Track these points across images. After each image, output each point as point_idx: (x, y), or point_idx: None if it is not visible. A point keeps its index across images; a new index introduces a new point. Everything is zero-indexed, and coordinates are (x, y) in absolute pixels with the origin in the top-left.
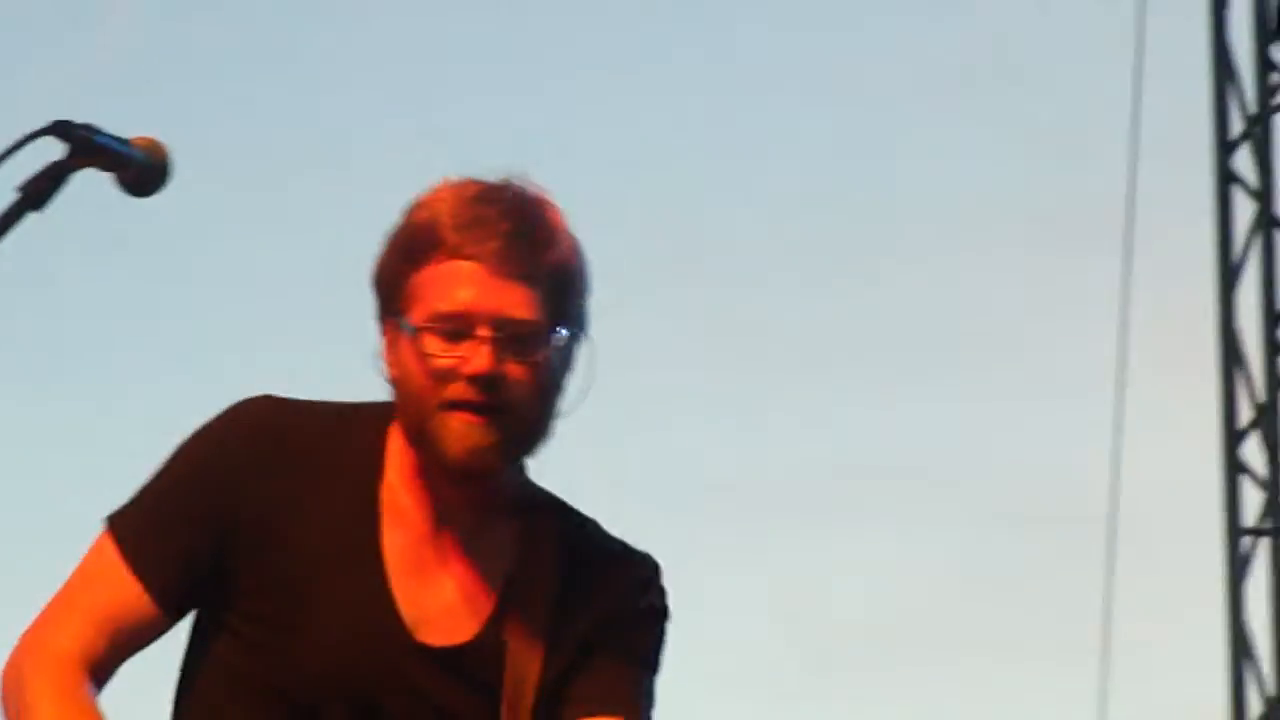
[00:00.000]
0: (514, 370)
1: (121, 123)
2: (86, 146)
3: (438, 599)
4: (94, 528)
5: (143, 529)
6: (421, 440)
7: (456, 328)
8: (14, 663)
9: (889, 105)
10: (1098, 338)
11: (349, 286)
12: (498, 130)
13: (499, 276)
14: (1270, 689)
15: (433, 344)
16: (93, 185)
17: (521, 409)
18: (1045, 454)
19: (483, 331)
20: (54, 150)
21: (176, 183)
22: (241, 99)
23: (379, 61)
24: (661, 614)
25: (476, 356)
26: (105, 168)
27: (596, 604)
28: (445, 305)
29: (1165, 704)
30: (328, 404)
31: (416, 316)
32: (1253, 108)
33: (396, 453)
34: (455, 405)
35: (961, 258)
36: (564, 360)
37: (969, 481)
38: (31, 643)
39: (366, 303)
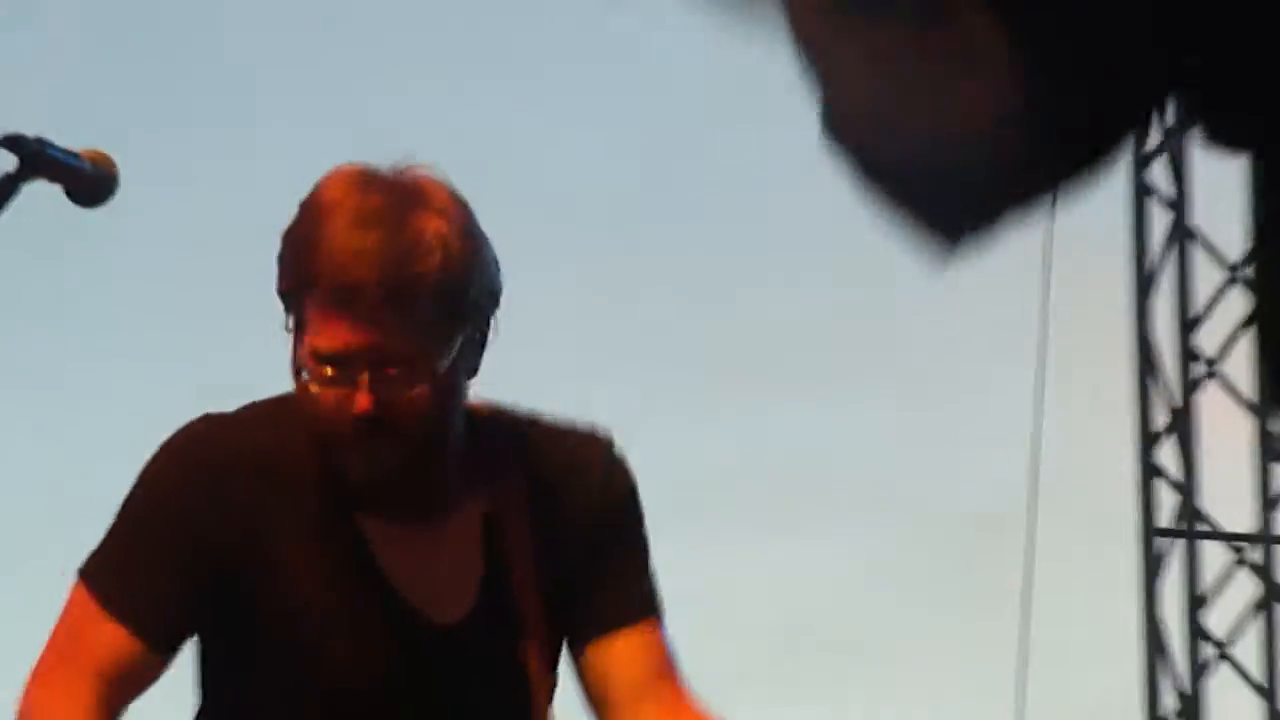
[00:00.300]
0: (402, 398)
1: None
2: (38, 159)
3: (434, 577)
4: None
5: (117, 576)
6: (332, 471)
7: (338, 368)
8: None
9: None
10: (1017, 348)
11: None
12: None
13: (378, 311)
14: (1183, 684)
15: (317, 383)
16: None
17: (416, 429)
18: (967, 458)
19: (362, 373)
20: (6, 162)
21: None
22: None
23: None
24: (632, 494)
25: (359, 397)
26: (55, 179)
27: (575, 520)
28: (325, 344)
29: (1081, 699)
30: (264, 405)
31: (303, 349)
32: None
33: None
34: (347, 439)
35: (883, 272)
36: (459, 366)
37: (889, 484)
38: (34, 707)
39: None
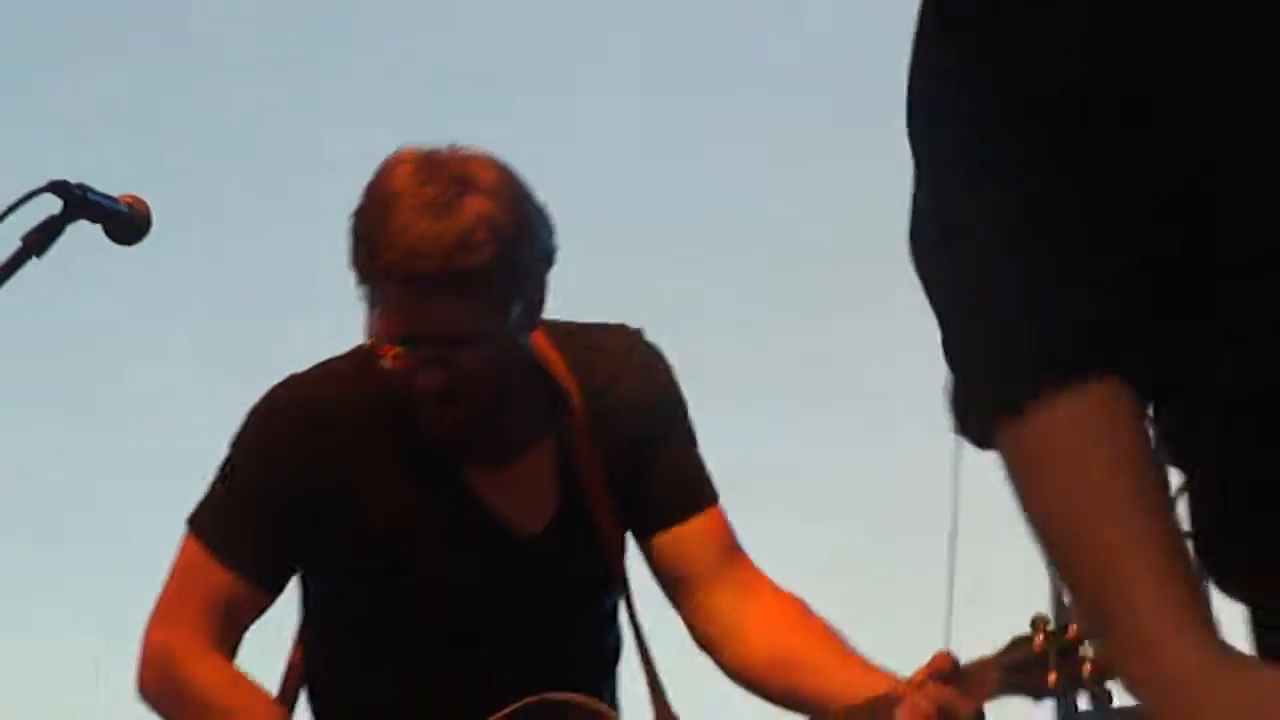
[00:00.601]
0: (466, 369)
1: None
2: (80, 203)
3: (515, 495)
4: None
5: (221, 526)
6: (417, 425)
7: (406, 348)
8: (150, 661)
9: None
10: (937, 362)
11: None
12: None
13: (439, 298)
14: None
15: (388, 360)
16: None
17: (482, 394)
18: (893, 465)
19: (428, 351)
20: (52, 206)
21: None
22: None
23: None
24: (671, 382)
25: (426, 374)
26: (96, 220)
27: (626, 421)
28: (393, 329)
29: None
30: (338, 361)
31: (376, 326)
32: None
33: None
34: (419, 405)
35: (816, 293)
36: (518, 329)
37: (821, 488)
38: (160, 639)
39: None
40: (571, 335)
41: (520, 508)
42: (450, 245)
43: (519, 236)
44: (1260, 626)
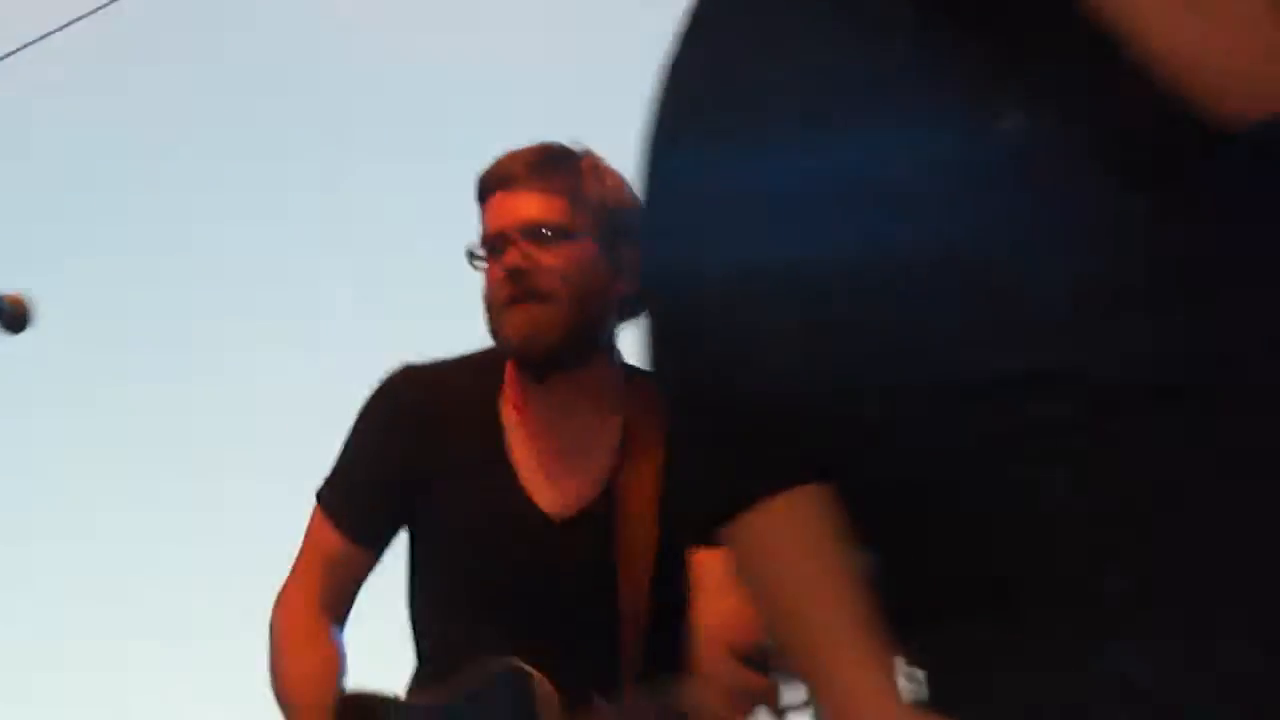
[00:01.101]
0: (546, 260)
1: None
2: None
3: (559, 482)
4: None
5: (338, 495)
6: (498, 344)
7: (497, 243)
8: (270, 621)
9: None
10: None
11: None
12: None
13: (522, 190)
14: None
15: (484, 261)
16: None
17: (557, 294)
18: None
19: (514, 236)
20: None
21: None
22: None
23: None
24: None
25: (508, 257)
26: None
27: None
28: (489, 228)
29: None
30: (460, 357)
31: (480, 246)
32: None
33: (511, 380)
34: (505, 304)
35: None
36: (595, 250)
37: None
38: (278, 601)
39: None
40: None
41: (558, 486)
42: (537, 152)
43: (604, 179)
44: (930, 683)
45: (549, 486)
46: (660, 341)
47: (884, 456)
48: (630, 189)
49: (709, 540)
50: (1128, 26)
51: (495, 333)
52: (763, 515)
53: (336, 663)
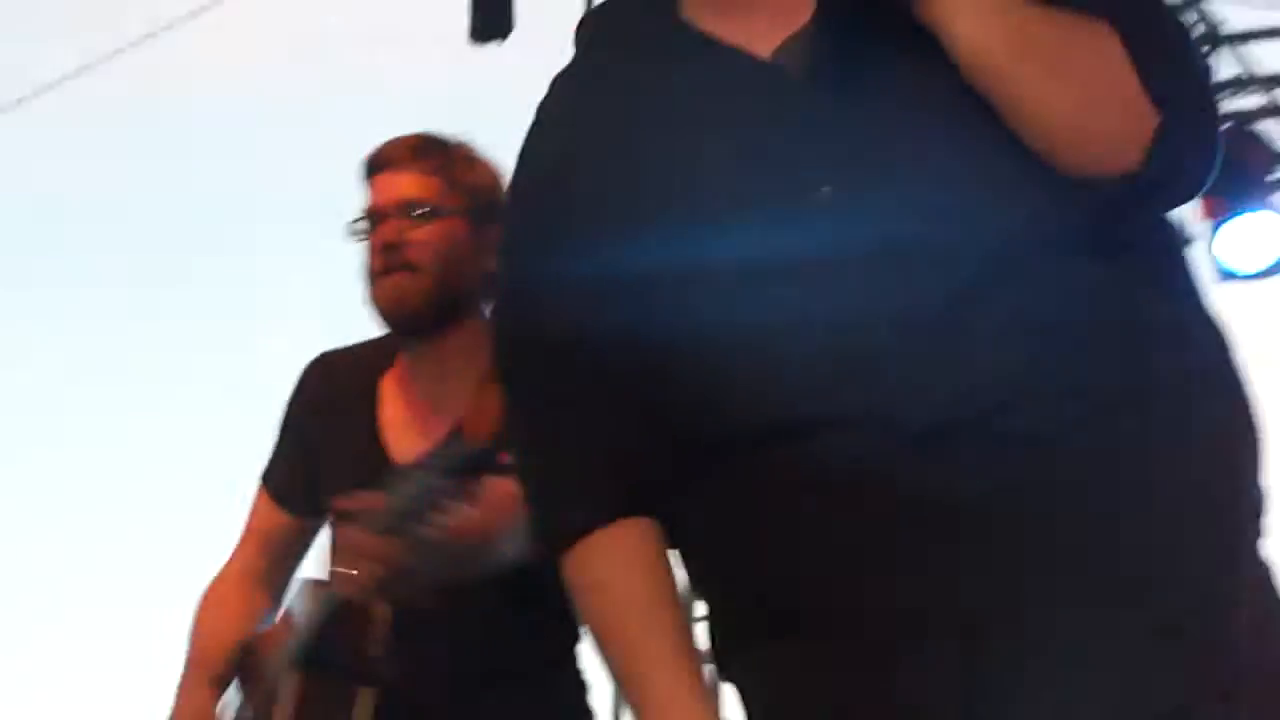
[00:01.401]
0: (417, 235)
1: None
2: None
3: (412, 433)
4: None
5: (269, 469)
6: (372, 310)
7: (375, 218)
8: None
9: None
10: None
11: None
12: None
13: (400, 171)
14: None
15: (363, 236)
16: None
17: (425, 266)
18: None
19: (390, 212)
20: None
21: None
22: None
23: None
24: None
25: (383, 230)
26: None
27: None
28: (369, 204)
29: None
30: (367, 340)
31: (360, 220)
32: None
33: (399, 356)
34: (378, 273)
35: None
36: (466, 230)
37: None
38: (216, 575)
39: None
40: None
41: (411, 438)
42: (417, 138)
43: (475, 163)
44: (744, 701)
45: (404, 438)
46: (509, 359)
47: (705, 490)
48: (500, 178)
49: (559, 559)
50: (1001, 93)
51: (369, 299)
52: (592, 546)
53: (241, 620)
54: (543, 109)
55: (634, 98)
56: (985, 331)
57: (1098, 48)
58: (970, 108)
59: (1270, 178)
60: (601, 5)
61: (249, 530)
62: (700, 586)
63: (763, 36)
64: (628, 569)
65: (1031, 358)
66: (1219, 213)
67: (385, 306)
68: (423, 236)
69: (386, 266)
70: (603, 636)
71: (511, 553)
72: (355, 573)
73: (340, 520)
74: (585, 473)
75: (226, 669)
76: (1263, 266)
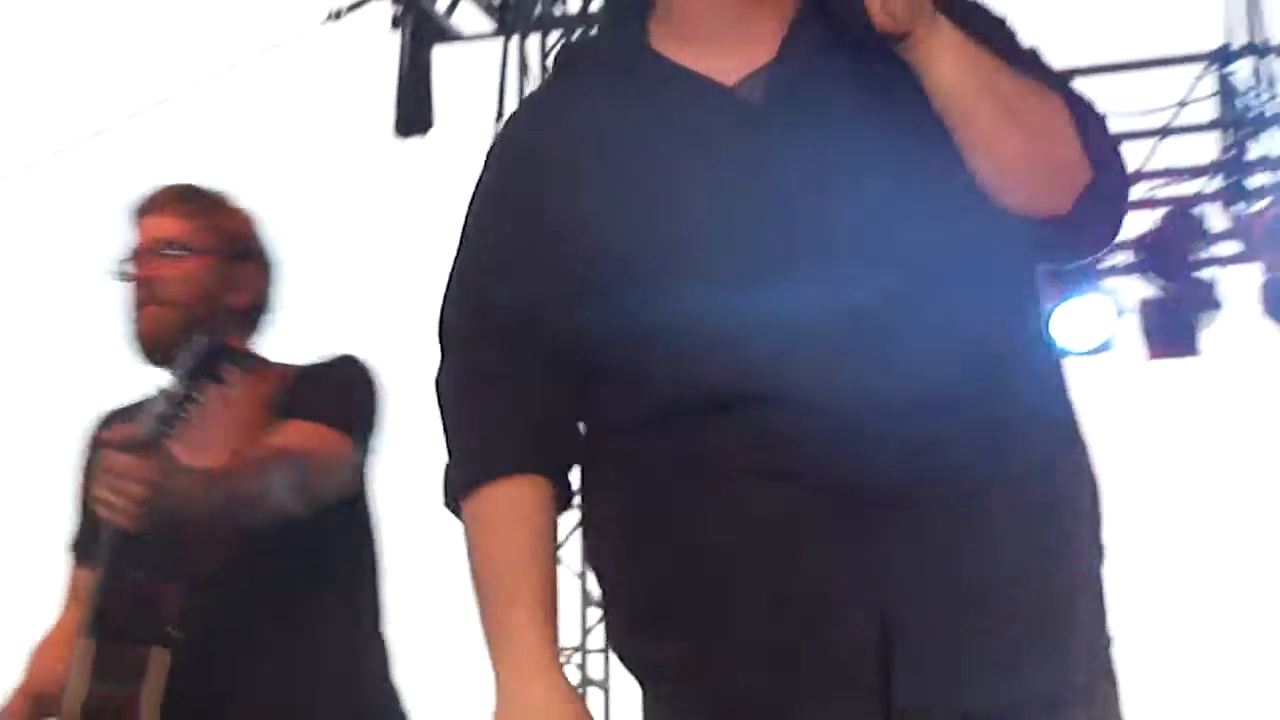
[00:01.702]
0: (168, 272)
1: None
2: None
3: (204, 437)
4: None
5: (70, 538)
6: (131, 345)
7: (133, 260)
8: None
9: None
10: None
11: None
12: None
13: (159, 215)
14: None
15: (124, 276)
16: None
17: (173, 300)
18: None
19: (146, 250)
20: None
21: None
22: None
23: None
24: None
25: (142, 267)
26: None
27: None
28: (132, 244)
29: None
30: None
31: (124, 259)
32: None
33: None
34: (135, 307)
35: None
36: (219, 269)
37: None
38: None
39: None
40: (288, 368)
41: (203, 447)
42: (178, 187)
43: (238, 213)
44: (643, 690)
45: (196, 442)
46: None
47: (611, 467)
48: (255, 223)
49: (453, 506)
50: (967, 128)
51: (128, 331)
52: (491, 494)
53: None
54: (514, 119)
55: (604, 111)
56: (901, 333)
57: (1051, 108)
58: (915, 139)
59: (1099, 264)
60: (577, 39)
61: (70, 599)
62: (595, 561)
63: (726, 70)
64: (516, 521)
65: (939, 363)
66: (1055, 295)
67: (140, 338)
68: (173, 273)
69: (141, 300)
70: (476, 573)
71: (280, 498)
72: (117, 498)
73: (104, 449)
74: (503, 434)
75: (50, 701)
76: (1094, 345)
